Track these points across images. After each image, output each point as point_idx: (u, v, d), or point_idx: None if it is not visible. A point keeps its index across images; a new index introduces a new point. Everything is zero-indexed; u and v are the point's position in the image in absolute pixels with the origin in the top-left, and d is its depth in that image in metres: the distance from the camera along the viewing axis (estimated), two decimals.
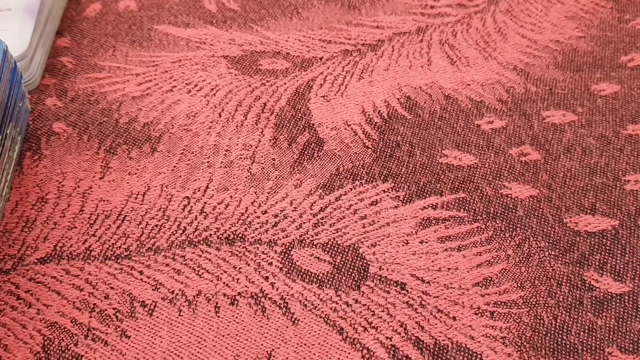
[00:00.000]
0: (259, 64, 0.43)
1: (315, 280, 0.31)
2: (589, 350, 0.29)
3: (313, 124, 0.39)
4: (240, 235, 0.33)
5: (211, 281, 0.32)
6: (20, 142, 0.38)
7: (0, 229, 0.34)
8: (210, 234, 0.33)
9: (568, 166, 0.36)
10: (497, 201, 0.34)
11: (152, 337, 0.30)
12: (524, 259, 0.32)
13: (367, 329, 0.30)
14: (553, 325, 0.30)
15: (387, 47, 0.43)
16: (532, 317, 0.30)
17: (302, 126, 0.39)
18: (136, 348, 0.29)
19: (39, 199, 0.35)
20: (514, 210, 0.34)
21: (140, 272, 0.32)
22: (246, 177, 0.36)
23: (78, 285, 0.32)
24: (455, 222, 0.34)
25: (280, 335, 0.30)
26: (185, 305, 0.31)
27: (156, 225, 0.34)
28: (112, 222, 0.34)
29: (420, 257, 0.32)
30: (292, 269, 0.32)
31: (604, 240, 0.32)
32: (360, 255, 0.32)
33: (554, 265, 0.32)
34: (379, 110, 0.39)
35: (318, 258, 0.32)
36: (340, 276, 0.32)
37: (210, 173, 0.36)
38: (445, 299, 0.31)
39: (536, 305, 0.30)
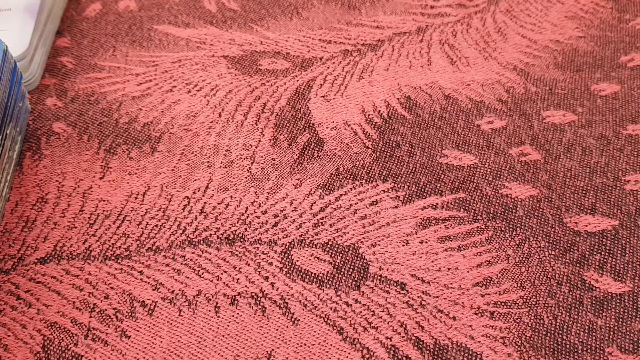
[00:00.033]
0: (259, 64, 0.43)
1: (315, 280, 0.31)
2: (589, 350, 0.29)
3: (313, 124, 0.39)
4: (240, 235, 0.33)
5: (211, 281, 0.32)
6: (20, 142, 0.38)
7: (0, 229, 0.34)
8: (210, 234, 0.33)
9: (568, 166, 0.36)
10: (497, 201, 0.34)
11: (152, 337, 0.30)
12: (524, 259, 0.32)
13: (367, 329, 0.30)
14: (553, 325, 0.30)
15: (387, 47, 0.43)
16: (532, 317, 0.30)
17: (302, 126, 0.39)
18: (136, 348, 0.29)
19: (39, 199, 0.35)
20: (514, 210, 0.34)
21: (140, 272, 0.32)
22: (246, 177, 0.36)
23: (78, 285, 0.32)
24: (455, 222, 0.34)
25: (280, 335, 0.30)
26: (185, 305, 0.31)
27: (156, 225, 0.34)
28: (112, 222, 0.34)
29: (420, 257, 0.32)
30: (292, 269, 0.32)
31: (604, 240, 0.32)
32: (360, 255, 0.32)
33: (554, 265, 0.32)
34: (379, 110, 0.39)
35: (318, 258, 0.32)
36: (340, 276, 0.32)
37: (210, 173, 0.36)
38: (445, 299, 0.31)
39: (536, 305, 0.30)
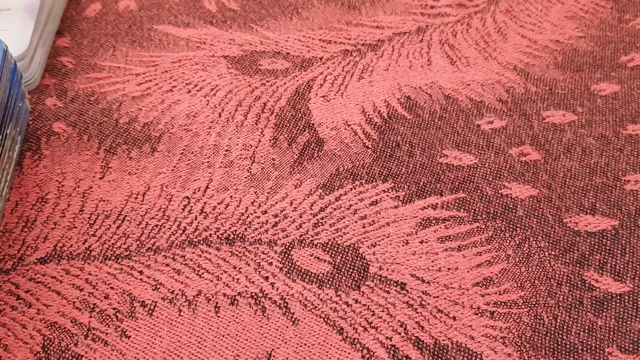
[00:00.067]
0: (259, 64, 0.43)
1: (315, 280, 0.31)
2: (589, 350, 0.29)
3: (313, 124, 0.39)
4: (240, 235, 0.33)
5: (211, 281, 0.32)
6: (20, 142, 0.38)
7: (0, 229, 0.34)
8: (210, 234, 0.33)
9: (568, 166, 0.36)
10: (497, 201, 0.34)
11: (152, 337, 0.30)
12: (524, 259, 0.32)
13: (367, 329, 0.30)
14: (553, 325, 0.30)
15: (387, 47, 0.43)
16: (532, 317, 0.30)
17: (302, 126, 0.39)
18: (136, 348, 0.29)
19: (39, 199, 0.35)
20: (514, 210, 0.34)
21: (140, 272, 0.32)
22: (246, 177, 0.36)
23: (78, 285, 0.32)
24: (455, 222, 0.34)
25: (280, 335, 0.30)
26: (185, 305, 0.31)
27: (156, 225, 0.34)
28: (112, 222, 0.34)
29: (420, 257, 0.32)
30: (292, 269, 0.32)
31: (604, 240, 0.32)
32: (360, 255, 0.32)
33: (554, 265, 0.32)
34: (379, 110, 0.39)
35: (318, 258, 0.32)
36: (340, 276, 0.32)
37: (210, 173, 0.36)
38: (445, 299, 0.31)
39: (536, 305, 0.30)
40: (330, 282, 0.31)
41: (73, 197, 0.35)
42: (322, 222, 0.34)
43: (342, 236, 0.33)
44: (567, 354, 0.29)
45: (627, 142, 0.37)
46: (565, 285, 0.31)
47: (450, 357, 0.29)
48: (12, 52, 0.39)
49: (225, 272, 0.32)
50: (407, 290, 0.31)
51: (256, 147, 0.38)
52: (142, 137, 0.38)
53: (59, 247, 0.33)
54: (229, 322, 0.30)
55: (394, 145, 0.37)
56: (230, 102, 0.40)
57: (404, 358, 0.29)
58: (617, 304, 0.30)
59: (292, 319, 0.30)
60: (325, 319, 0.30)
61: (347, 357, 0.29)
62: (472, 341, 0.29)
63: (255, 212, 0.34)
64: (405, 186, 0.35)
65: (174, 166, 0.37)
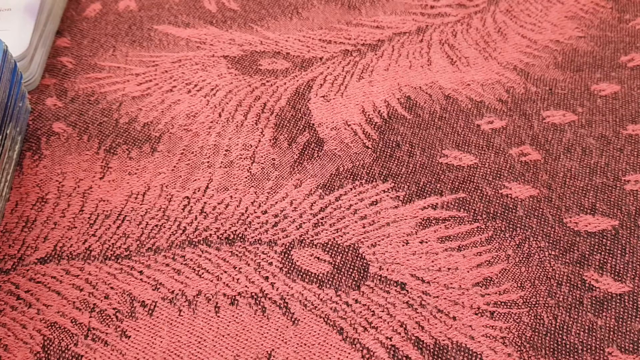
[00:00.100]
0: (259, 64, 0.43)
1: (315, 280, 0.31)
2: (589, 350, 0.29)
3: (313, 124, 0.39)
4: (240, 235, 0.33)
5: (211, 281, 0.32)
6: (20, 142, 0.38)
7: (0, 229, 0.34)
8: (210, 234, 0.33)
9: (568, 166, 0.36)
10: (497, 201, 0.34)
11: (152, 337, 0.30)
12: (524, 259, 0.32)
13: (367, 329, 0.30)
14: (553, 325, 0.30)
15: (387, 47, 0.43)
16: (532, 317, 0.30)
17: (302, 126, 0.39)
18: (136, 348, 0.29)
19: (39, 199, 0.35)
20: (514, 210, 0.34)
21: (140, 272, 0.32)
22: (246, 177, 0.36)
23: (78, 285, 0.32)
24: (455, 222, 0.34)
25: (280, 335, 0.30)
26: (185, 305, 0.31)
27: (156, 225, 0.34)
28: (112, 222, 0.34)
29: (420, 257, 0.32)
30: (292, 269, 0.32)
31: (604, 240, 0.32)
32: (360, 255, 0.32)
33: (554, 265, 0.32)
34: (379, 110, 0.39)
35: (318, 258, 0.32)
36: (340, 276, 0.32)
37: (210, 173, 0.36)
38: (445, 299, 0.31)
39: (536, 305, 0.30)
40: (330, 282, 0.31)
41: (73, 197, 0.35)
42: (322, 222, 0.34)
43: (342, 236, 0.33)
44: (567, 354, 0.29)
45: (627, 142, 0.37)
46: (565, 285, 0.31)
47: (450, 357, 0.29)
48: (12, 52, 0.39)
49: (225, 272, 0.32)
50: (407, 290, 0.31)
51: (256, 147, 0.38)
52: (142, 137, 0.38)
53: (59, 247, 0.33)
54: (229, 322, 0.30)
55: (394, 145, 0.37)
56: (230, 102, 0.40)
57: (404, 358, 0.29)
58: (617, 304, 0.30)
59: (292, 319, 0.30)
60: (325, 319, 0.30)
61: (347, 357, 0.29)
62: (472, 341, 0.29)
63: (255, 212, 0.34)
64: (405, 186, 0.35)
65: (174, 166, 0.37)
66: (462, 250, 0.32)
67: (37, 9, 0.42)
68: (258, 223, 0.34)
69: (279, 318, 0.30)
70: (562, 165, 0.36)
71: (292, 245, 0.33)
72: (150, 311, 0.31)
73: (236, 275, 0.32)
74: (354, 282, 0.31)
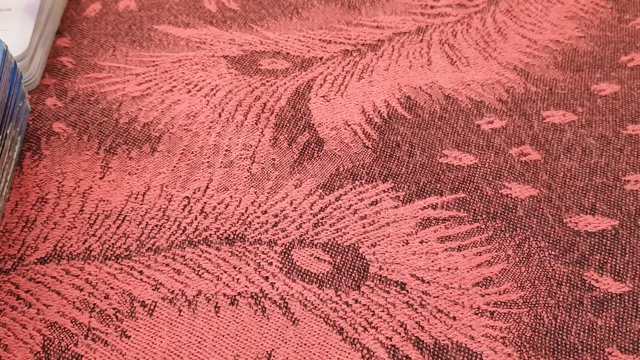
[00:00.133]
0: (259, 64, 0.43)
1: (315, 280, 0.31)
2: (589, 350, 0.29)
3: (313, 124, 0.39)
4: (240, 235, 0.33)
5: (211, 281, 0.32)
6: (20, 142, 0.38)
7: (0, 229, 0.34)
8: (210, 234, 0.33)
9: (568, 166, 0.36)
10: (497, 201, 0.34)
11: (152, 337, 0.30)
12: (524, 259, 0.32)
13: (367, 329, 0.30)
14: (553, 325, 0.30)
15: (387, 47, 0.43)
16: (532, 317, 0.30)
17: (302, 126, 0.39)
18: (136, 348, 0.29)
19: (39, 199, 0.35)
20: (514, 210, 0.34)
21: (140, 272, 0.32)
22: (246, 177, 0.36)
23: (78, 285, 0.32)
24: (455, 222, 0.34)
25: (280, 335, 0.30)
26: (185, 305, 0.31)
27: (156, 225, 0.34)
28: (112, 222, 0.34)
29: (420, 257, 0.32)
30: (292, 269, 0.32)
31: (604, 240, 0.32)
32: (360, 255, 0.32)
33: (554, 265, 0.32)
34: (379, 110, 0.39)
35: (318, 258, 0.32)
36: (340, 276, 0.32)
37: (210, 173, 0.36)
38: (445, 299, 0.31)
39: (536, 305, 0.30)
40: (330, 282, 0.31)
41: (73, 197, 0.35)
42: (322, 222, 0.34)
43: (342, 236, 0.33)
44: (567, 354, 0.29)
45: (627, 142, 0.37)
46: (565, 285, 0.31)
47: (450, 357, 0.29)
48: (12, 52, 0.39)
49: (225, 272, 0.32)
50: (407, 290, 0.31)
51: (256, 147, 0.38)
52: (142, 137, 0.38)
53: (59, 247, 0.33)
54: (229, 322, 0.30)
55: (394, 145, 0.37)
56: (230, 102, 0.40)
57: (404, 358, 0.29)
58: (617, 304, 0.30)
59: (292, 319, 0.30)
60: (325, 319, 0.30)
61: (347, 357, 0.29)
62: (472, 341, 0.29)
63: (255, 212, 0.34)
64: (405, 186, 0.35)
65: (174, 166, 0.37)
66: (462, 250, 0.32)
67: (37, 9, 0.42)
68: (258, 223, 0.34)
69: (279, 318, 0.30)
70: (562, 165, 0.36)
71: (292, 245, 0.33)
72: (150, 311, 0.31)
73: (236, 275, 0.32)
74: (354, 282, 0.31)
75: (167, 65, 0.43)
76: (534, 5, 0.46)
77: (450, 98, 0.40)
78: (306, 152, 0.37)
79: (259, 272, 0.32)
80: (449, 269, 0.32)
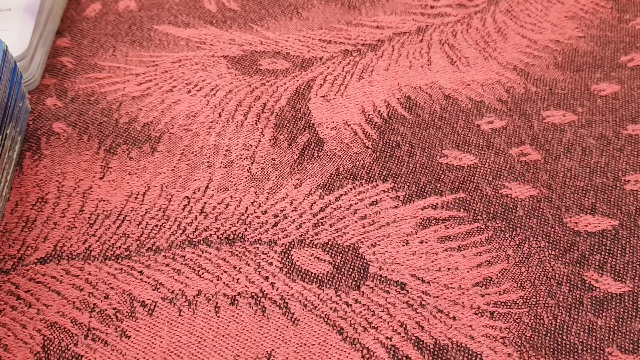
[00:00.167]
0: (259, 64, 0.43)
1: (315, 280, 0.31)
2: (589, 350, 0.29)
3: (313, 124, 0.39)
4: (240, 235, 0.33)
5: (211, 281, 0.32)
6: (20, 142, 0.38)
7: (0, 229, 0.34)
8: (210, 234, 0.33)
9: (568, 166, 0.36)
10: (497, 201, 0.34)
11: (152, 337, 0.30)
12: (524, 259, 0.32)
13: (367, 329, 0.30)
14: (553, 325, 0.30)
15: (387, 47, 0.43)
16: (532, 317, 0.30)
17: (302, 126, 0.39)
18: (136, 348, 0.29)
19: (39, 199, 0.35)
20: (514, 210, 0.34)
21: (140, 272, 0.32)
22: (246, 177, 0.36)
23: (78, 285, 0.32)
24: (455, 222, 0.34)
25: (280, 335, 0.30)
26: (185, 305, 0.31)
27: (156, 225, 0.34)
28: (112, 222, 0.34)
29: (420, 257, 0.32)
30: (292, 269, 0.32)
31: (604, 240, 0.32)
32: (360, 255, 0.32)
33: (554, 265, 0.32)
34: (379, 110, 0.39)
35: (318, 258, 0.32)
36: (340, 276, 0.32)
37: (210, 173, 0.36)
38: (445, 299, 0.31)
39: (536, 305, 0.30)
40: (330, 282, 0.31)
41: (73, 197, 0.35)
42: (322, 222, 0.34)
43: (342, 236, 0.33)
44: (567, 354, 0.29)
45: (627, 142, 0.37)
46: (565, 285, 0.31)
47: (450, 357, 0.29)
48: (12, 52, 0.39)
49: (225, 272, 0.32)
50: (407, 290, 0.31)
51: (256, 147, 0.38)
52: (142, 137, 0.38)
53: (59, 247, 0.33)
54: (229, 322, 0.30)
55: (394, 145, 0.37)
56: (230, 102, 0.40)
57: (404, 358, 0.29)
58: (617, 304, 0.30)
59: (292, 319, 0.30)
60: (325, 319, 0.30)
61: (347, 357, 0.29)
62: (472, 341, 0.29)
63: (255, 212, 0.34)
64: (405, 186, 0.35)
65: (174, 166, 0.37)
66: (462, 250, 0.32)
67: (37, 9, 0.42)
68: (258, 223, 0.34)
69: (279, 318, 0.30)
70: (562, 165, 0.36)
71: (292, 245, 0.33)
72: (150, 311, 0.31)
73: (236, 275, 0.32)
74: (354, 282, 0.31)
75: (167, 65, 0.43)
76: (534, 5, 0.46)
77: (450, 98, 0.40)
78: (306, 152, 0.37)
79: (259, 272, 0.32)
80: (449, 269, 0.32)
